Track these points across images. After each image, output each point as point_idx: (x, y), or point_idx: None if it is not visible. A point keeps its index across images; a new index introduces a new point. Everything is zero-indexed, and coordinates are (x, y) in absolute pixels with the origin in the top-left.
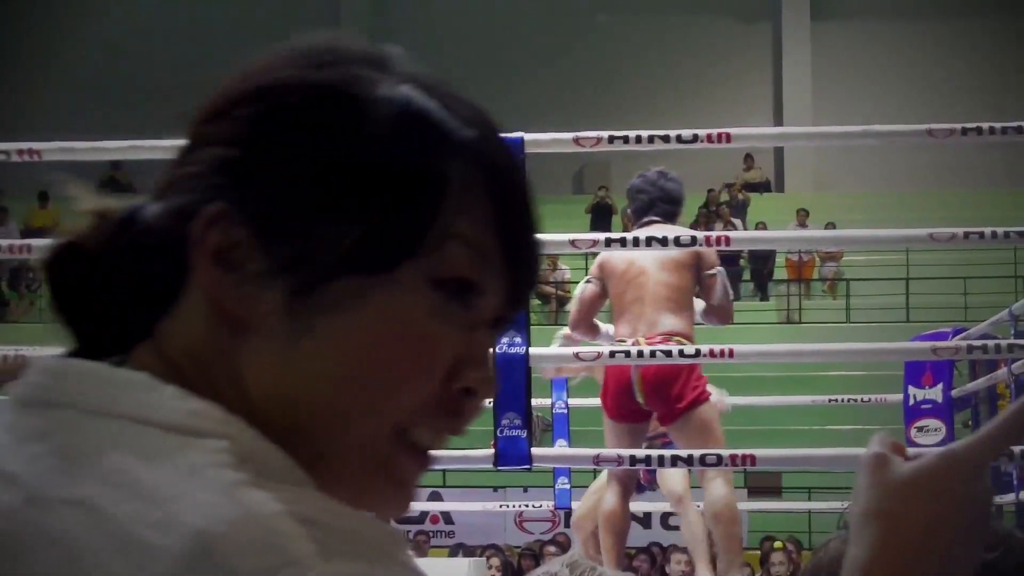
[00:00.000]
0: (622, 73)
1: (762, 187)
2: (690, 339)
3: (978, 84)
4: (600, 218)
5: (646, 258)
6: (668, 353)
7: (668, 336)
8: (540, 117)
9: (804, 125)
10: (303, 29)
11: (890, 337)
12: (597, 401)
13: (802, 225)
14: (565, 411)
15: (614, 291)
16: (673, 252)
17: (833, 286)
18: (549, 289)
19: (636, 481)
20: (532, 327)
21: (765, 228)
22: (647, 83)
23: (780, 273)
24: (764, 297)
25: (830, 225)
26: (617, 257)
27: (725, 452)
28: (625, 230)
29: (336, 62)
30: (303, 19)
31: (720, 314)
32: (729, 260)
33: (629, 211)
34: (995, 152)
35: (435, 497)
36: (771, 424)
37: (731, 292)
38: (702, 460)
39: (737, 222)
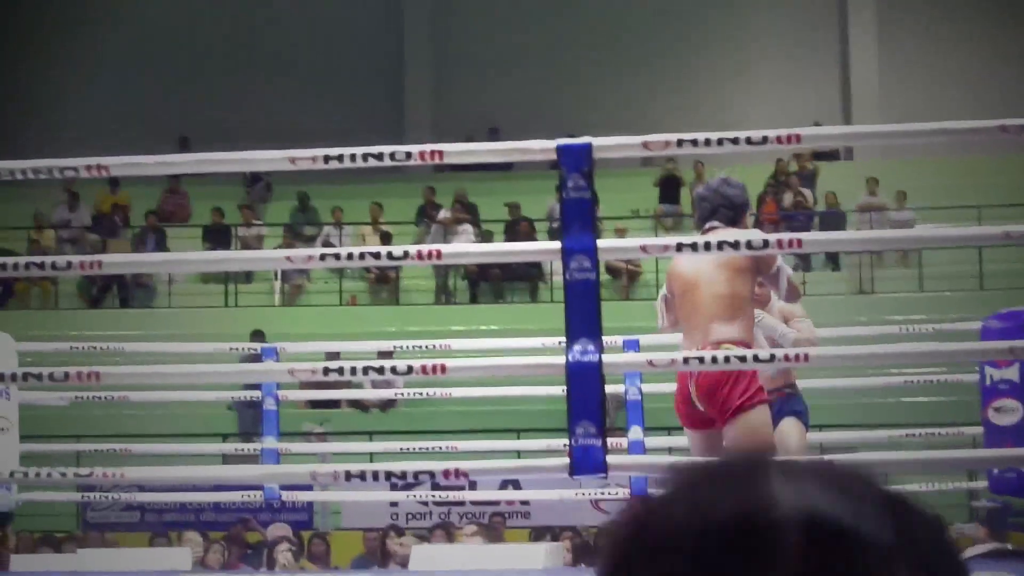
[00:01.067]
0: (688, 57)
1: (831, 156)
2: (746, 345)
3: None
4: (668, 191)
5: (702, 268)
6: (742, 359)
7: (720, 344)
8: (605, 102)
9: (871, 97)
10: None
11: (964, 305)
12: (670, 385)
13: (872, 194)
14: (639, 397)
15: (677, 303)
16: (731, 257)
17: (905, 256)
18: (619, 263)
19: None
20: (604, 302)
21: (835, 198)
22: (712, 56)
23: None
24: (836, 267)
25: (900, 193)
26: (680, 267)
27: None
28: (694, 204)
29: None
30: (368, 31)
31: (791, 300)
32: (801, 231)
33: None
34: None
35: (512, 482)
36: (846, 399)
37: (797, 286)
38: None
39: (807, 192)
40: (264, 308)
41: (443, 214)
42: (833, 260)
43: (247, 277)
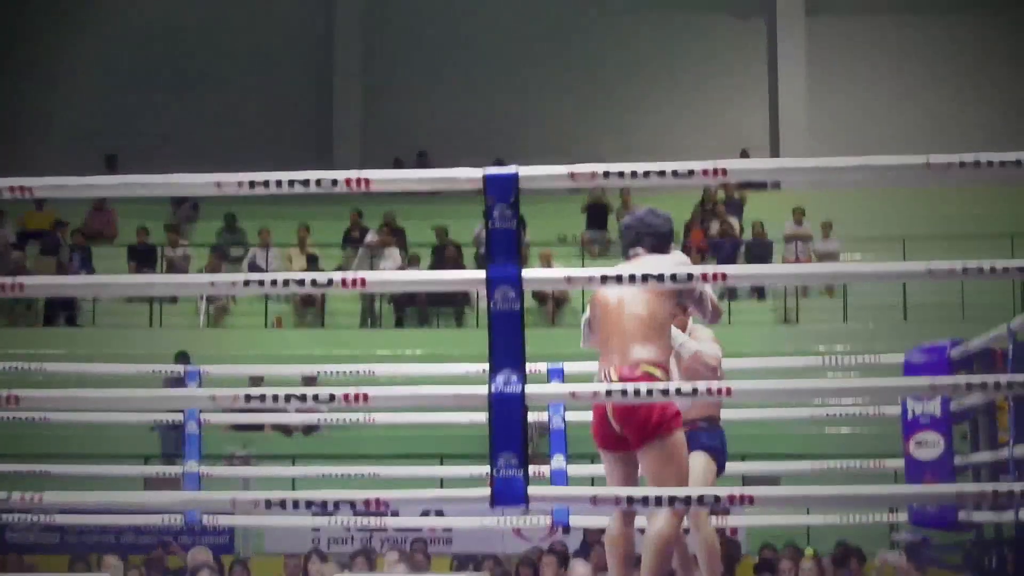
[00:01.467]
0: (617, 84)
1: (758, 185)
2: (664, 366)
3: (978, 80)
4: (595, 217)
5: (623, 289)
6: (665, 392)
7: (637, 365)
8: (535, 125)
9: (799, 126)
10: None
11: (888, 336)
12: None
13: (798, 224)
14: (562, 426)
15: (598, 324)
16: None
17: (831, 285)
18: (546, 290)
19: None
20: (530, 328)
21: (762, 227)
22: (642, 81)
23: None
24: (761, 296)
25: (827, 225)
26: (604, 289)
27: (723, 491)
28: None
29: None
30: (298, 51)
31: (713, 322)
32: (727, 260)
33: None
34: (1001, 147)
35: (434, 508)
36: (769, 430)
37: (718, 305)
38: (700, 500)
39: (733, 221)
40: (189, 329)
41: (370, 237)
42: (759, 289)
43: (172, 298)
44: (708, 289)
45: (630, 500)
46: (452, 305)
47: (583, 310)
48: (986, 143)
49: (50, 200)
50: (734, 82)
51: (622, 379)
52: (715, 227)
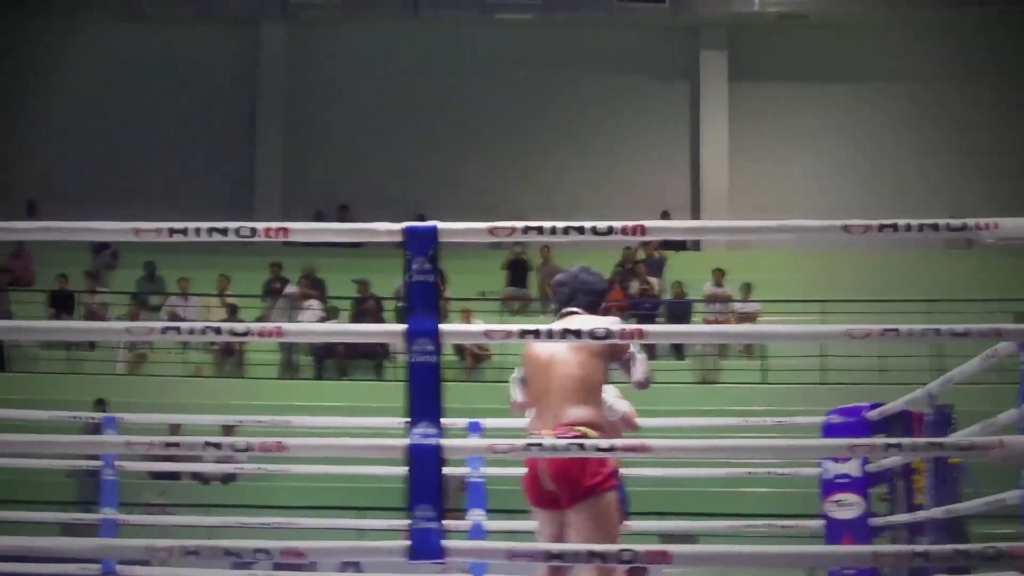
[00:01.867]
0: (539, 142)
1: (678, 245)
2: (598, 427)
3: (898, 147)
4: (516, 274)
5: (557, 350)
6: (582, 447)
7: (572, 426)
8: (458, 182)
9: (720, 187)
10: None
11: (806, 398)
12: (512, 469)
13: (718, 285)
14: (481, 479)
15: (530, 381)
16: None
17: (750, 346)
18: (464, 344)
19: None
20: (447, 383)
21: (681, 287)
22: (566, 140)
23: None
24: (680, 356)
25: (746, 286)
26: (536, 348)
27: (641, 548)
28: (541, 288)
29: None
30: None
31: (642, 388)
32: (647, 319)
33: (553, 304)
34: (923, 211)
35: (352, 565)
36: (687, 487)
37: (648, 370)
38: (618, 557)
39: (653, 280)
40: (107, 376)
41: (290, 289)
42: (678, 349)
43: (90, 344)
44: (642, 355)
45: (549, 555)
46: (371, 358)
47: (503, 367)
48: (907, 207)
49: None
50: (657, 144)
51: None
52: (635, 286)
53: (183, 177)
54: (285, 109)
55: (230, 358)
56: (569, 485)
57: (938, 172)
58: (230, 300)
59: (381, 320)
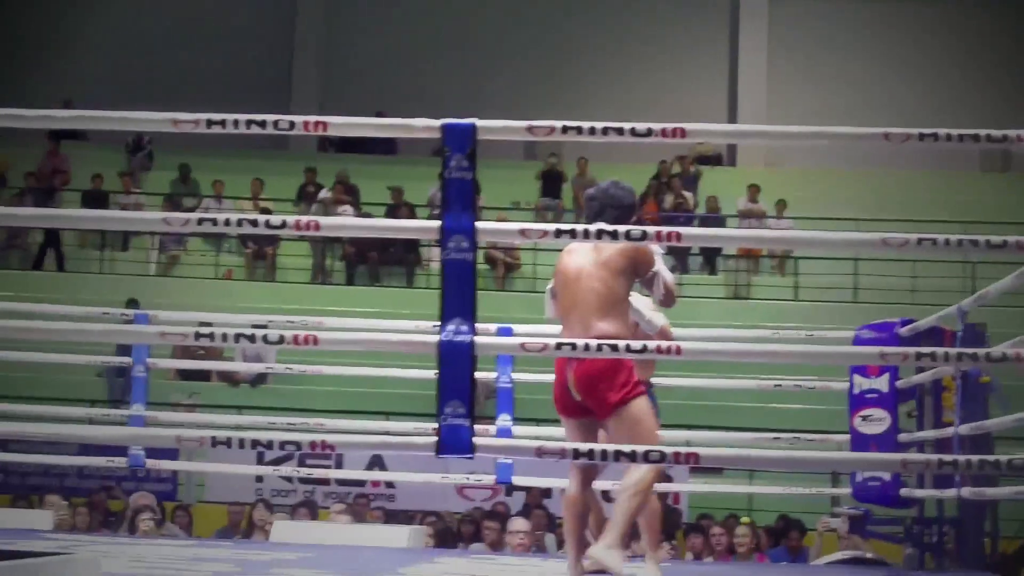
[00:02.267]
0: (577, 51)
1: (714, 160)
2: (623, 340)
3: (939, 66)
4: (550, 185)
5: (584, 266)
6: (614, 347)
7: (600, 338)
8: (495, 91)
9: (758, 103)
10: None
11: (837, 316)
12: (542, 376)
13: (753, 201)
14: (509, 385)
15: (559, 295)
16: (609, 258)
17: (782, 264)
18: (496, 254)
19: (598, 468)
20: (480, 291)
21: (716, 202)
22: (604, 53)
23: (729, 248)
24: (713, 271)
25: (781, 202)
26: (564, 263)
27: (669, 449)
28: (575, 199)
29: None
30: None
31: (666, 306)
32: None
33: (584, 217)
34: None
35: (378, 463)
36: (716, 400)
37: (672, 286)
38: (646, 456)
39: (688, 195)
40: (140, 277)
41: (324, 194)
42: (710, 264)
43: (124, 245)
44: (666, 273)
45: (577, 453)
46: (403, 264)
47: (535, 277)
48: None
49: (5, 146)
50: (695, 59)
51: None
52: (669, 200)
53: (219, 80)
54: (325, 13)
55: (262, 262)
56: (597, 398)
57: (978, 90)
58: (264, 203)
59: None
